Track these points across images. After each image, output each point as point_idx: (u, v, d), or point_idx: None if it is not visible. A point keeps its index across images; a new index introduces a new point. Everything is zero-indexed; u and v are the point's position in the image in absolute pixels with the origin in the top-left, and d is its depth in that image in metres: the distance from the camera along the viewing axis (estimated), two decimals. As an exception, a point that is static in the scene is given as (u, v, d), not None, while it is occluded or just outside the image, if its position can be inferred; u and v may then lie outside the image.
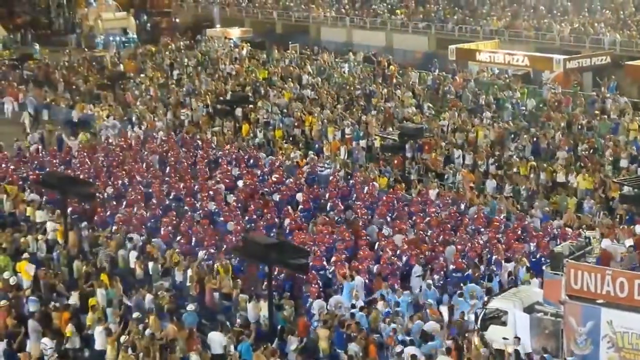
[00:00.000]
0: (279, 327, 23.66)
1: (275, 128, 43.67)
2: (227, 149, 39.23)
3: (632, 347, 21.46)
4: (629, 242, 24.53)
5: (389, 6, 72.15)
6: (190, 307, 24.48)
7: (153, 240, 29.14)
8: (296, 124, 44.09)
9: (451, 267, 26.98)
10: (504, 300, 23.91)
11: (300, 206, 32.64)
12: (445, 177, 37.09)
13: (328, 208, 32.41)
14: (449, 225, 30.19)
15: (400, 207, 32.01)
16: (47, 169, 36.01)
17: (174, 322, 23.43)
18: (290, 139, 42.80)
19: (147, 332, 22.70)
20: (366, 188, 33.88)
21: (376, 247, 28.61)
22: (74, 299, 25.24)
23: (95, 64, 60.81)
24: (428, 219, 30.93)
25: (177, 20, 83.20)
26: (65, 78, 55.88)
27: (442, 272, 26.86)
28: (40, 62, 61.31)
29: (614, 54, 54.75)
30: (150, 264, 27.42)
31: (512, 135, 40.86)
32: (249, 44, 64.84)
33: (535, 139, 39.72)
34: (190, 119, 46.39)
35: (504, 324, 23.28)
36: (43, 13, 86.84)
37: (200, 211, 31.84)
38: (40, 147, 41.13)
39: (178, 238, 29.41)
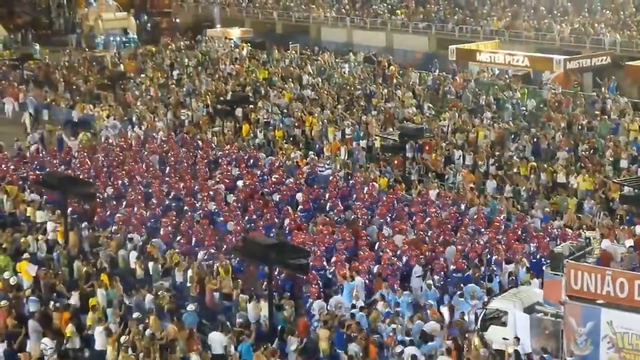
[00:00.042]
0: (279, 327, 23.64)
1: (276, 128, 43.64)
2: (227, 149, 39.20)
3: (632, 347, 21.45)
4: (629, 242, 24.51)
5: (389, 6, 72.09)
6: (191, 307, 24.48)
7: (153, 240, 29.14)
8: (296, 124, 44.07)
9: (451, 267, 26.94)
10: (504, 301, 23.86)
11: (300, 206, 32.61)
12: (446, 177, 37.04)
13: (328, 208, 32.38)
14: (449, 226, 30.14)
15: (400, 207, 31.97)
16: (47, 169, 35.99)
17: (174, 322, 23.43)
18: (291, 139, 42.77)
19: (148, 332, 22.69)
20: (366, 188, 33.84)
21: (376, 247, 28.56)
22: (74, 299, 25.25)
23: (96, 64, 60.84)
24: (428, 219, 30.89)
25: (178, 20, 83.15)
26: (65, 78, 55.89)
27: (442, 273, 26.84)
28: (40, 62, 61.30)
29: (614, 55, 54.74)
30: (151, 264, 27.42)
31: (513, 136, 40.83)
32: (249, 44, 64.88)
33: (535, 140, 39.70)
34: (190, 119, 46.35)
35: (504, 324, 23.24)
36: (43, 13, 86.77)
37: (200, 211, 31.82)
38: (40, 147, 41.15)
39: (178, 238, 29.39)
